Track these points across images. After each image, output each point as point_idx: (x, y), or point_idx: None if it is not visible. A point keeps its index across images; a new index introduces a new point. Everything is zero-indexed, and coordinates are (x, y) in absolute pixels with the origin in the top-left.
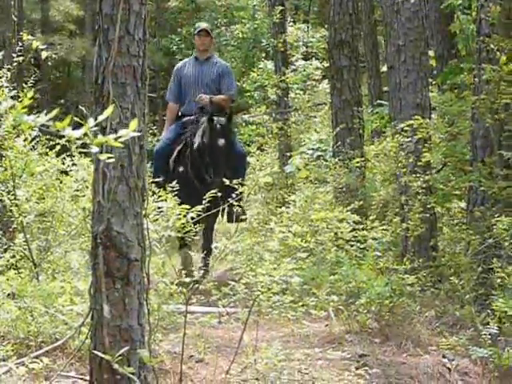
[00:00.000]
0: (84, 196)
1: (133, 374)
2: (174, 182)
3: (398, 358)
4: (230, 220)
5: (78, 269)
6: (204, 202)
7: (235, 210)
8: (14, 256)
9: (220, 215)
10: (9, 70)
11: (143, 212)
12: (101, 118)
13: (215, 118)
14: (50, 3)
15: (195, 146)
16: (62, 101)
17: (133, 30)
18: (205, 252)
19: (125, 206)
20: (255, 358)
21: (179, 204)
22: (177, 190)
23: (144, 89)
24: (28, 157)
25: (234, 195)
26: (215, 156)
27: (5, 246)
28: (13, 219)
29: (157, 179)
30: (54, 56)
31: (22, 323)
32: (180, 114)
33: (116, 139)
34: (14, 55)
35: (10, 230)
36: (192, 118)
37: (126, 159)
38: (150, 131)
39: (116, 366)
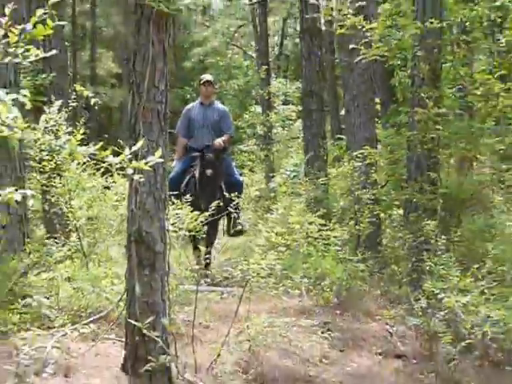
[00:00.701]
0: (121, 205)
1: (157, 336)
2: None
3: (353, 325)
4: (229, 234)
5: (117, 259)
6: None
7: (231, 226)
8: (69, 250)
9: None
10: (66, 112)
11: (165, 217)
12: (134, 148)
13: (205, 154)
14: (96, 63)
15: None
16: (106, 136)
17: (157, 83)
18: (210, 247)
19: (152, 213)
20: (248, 324)
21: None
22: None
23: (166, 126)
24: (80, 176)
25: (231, 215)
26: (204, 185)
27: (63, 242)
28: (68, 222)
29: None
30: (99, 102)
31: (75, 299)
32: (188, 147)
33: (146, 164)
34: (70, 101)
35: (67, 230)
36: (199, 153)
37: (153, 178)
38: (170, 157)
39: (145, 331)
